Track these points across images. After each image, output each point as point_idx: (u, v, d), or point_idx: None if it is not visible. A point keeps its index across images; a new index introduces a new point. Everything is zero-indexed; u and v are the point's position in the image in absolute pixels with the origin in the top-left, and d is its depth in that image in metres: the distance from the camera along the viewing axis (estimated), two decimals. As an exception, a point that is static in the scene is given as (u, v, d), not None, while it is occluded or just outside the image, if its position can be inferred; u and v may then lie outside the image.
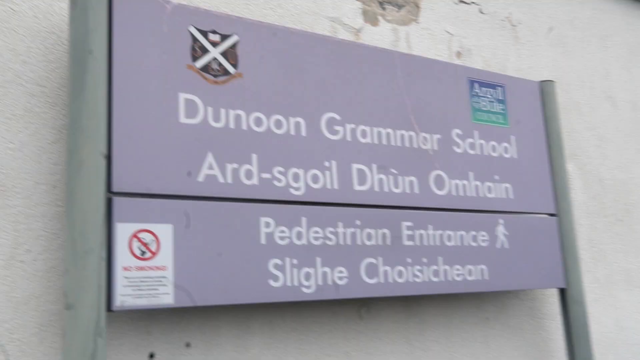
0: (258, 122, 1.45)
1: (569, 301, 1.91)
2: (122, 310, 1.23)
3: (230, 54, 1.45)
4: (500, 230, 1.80)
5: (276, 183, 1.45)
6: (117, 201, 1.23)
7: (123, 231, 1.22)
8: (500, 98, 1.91)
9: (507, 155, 1.88)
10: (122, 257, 1.21)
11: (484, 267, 1.74)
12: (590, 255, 2.25)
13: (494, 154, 1.85)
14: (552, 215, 1.94)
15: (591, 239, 2.27)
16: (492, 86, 1.91)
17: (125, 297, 1.20)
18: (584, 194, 2.30)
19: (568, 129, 2.28)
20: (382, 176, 1.61)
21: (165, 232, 1.27)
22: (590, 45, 2.51)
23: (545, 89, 2.03)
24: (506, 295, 1.96)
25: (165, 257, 1.26)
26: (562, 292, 1.93)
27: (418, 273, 1.60)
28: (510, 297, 1.97)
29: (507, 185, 1.85)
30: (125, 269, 1.21)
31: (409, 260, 1.60)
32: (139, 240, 1.23)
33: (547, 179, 1.96)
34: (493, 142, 1.86)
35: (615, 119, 2.49)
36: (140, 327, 1.34)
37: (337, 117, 1.58)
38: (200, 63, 1.40)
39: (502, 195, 1.83)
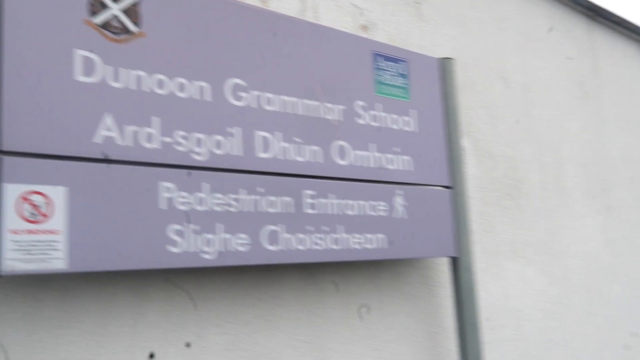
0: (160, 84, 1.41)
1: (459, 269, 2.01)
2: (11, 276, 1.17)
3: (132, 12, 1.39)
4: (399, 200, 1.86)
5: (178, 147, 1.41)
6: (7, 161, 1.16)
7: (11, 192, 1.16)
8: (402, 72, 1.96)
9: (407, 129, 1.94)
10: (10, 219, 1.15)
11: (382, 236, 1.79)
12: (481, 227, 2.37)
13: (395, 127, 1.90)
14: (447, 187, 2.03)
15: (482, 212, 2.39)
16: (396, 60, 1.95)
17: (13, 261, 1.14)
18: (477, 169, 2.41)
19: (464, 106, 2.38)
20: (286, 144, 1.61)
21: (58, 194, 1.21)
22: (488, 27, 2.62)
23: (445, 66, 2.11)
24: (401, 263, 2.04)
25: (58, 220, 1.21)
26: (454, 261, 2.03)
27: (319, 241, 1.63)
28: (405, 265, 2.05)
29: (407, 157, 1.91)
30: (14, 232, 1.15)
31: (311, 228, 1.62)
32: (29, 202, 1.17)
33: (444, 153, 2.04)
34: (395, 115, 1.90)
35: (508, 99, 2.62)
36: (28, 293, 1.28)
37: (243, 83, 1.56)
38: (99, 19, 1.33)
39: (401, 167, 1.89)
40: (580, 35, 3.15)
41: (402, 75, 1.96)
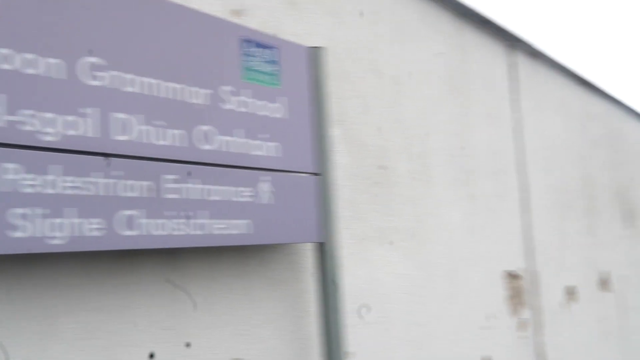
0: (6, 59, 1.32)
1: (325, 255, 2.06)
2: None
3: (-26, -20, 1.30)
4: (265, 187, 1.87)
5: (25, 127, 1.34)
6: None
7: None
8: (272, 59, 1.97)
9: (276, 115, 1.95)
10: None
11: (247, 221, 1.80)
12: (350, 213, 2.44)
13: (264, 113, 1.91)
14: (314, 174, 2.07)
15: (352, 199, 2.46)
16: (265, 47, 1.95)
17: None
18: (348, 157, 2.48)
19: (336, 96, 2.43)
20: (146, 127, 1.57)
21: None
22: (362, 18, 2.68)
23: (316, 55, 2.14)
24: (268, 249, 2.05)
25: None
26: (320, 247, 2.07)
27: (180, 226, 1.61)
28: (271, 251, 2.07)
29: (275, 144, 1.92)
30: None
31: (171, 213, 1.59)
32: None
33: (312, 141, 2.07)
34: (263, 102, 1.91)
35: (379, 90, 2.70)
36: None
37: (100, 61, 1.50)
38: None
39: (269, 154, 1.90)
40: (451, 32, 3.31)
41: (272, 62, 1.96)
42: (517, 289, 3.64)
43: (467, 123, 3.34)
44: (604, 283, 5.02)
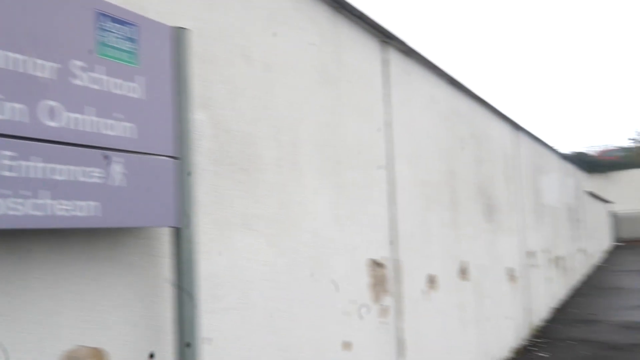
0: None
1: (181, 240, 2.03)
2: None
3: None
4: (118, 168, 1.81)
5: None
6: None
7: None
8: (131, 37, 1.90)
9: (132, 95, 1.88)
10: None
11: (96, 203, 1.73)
12: (213, 199, 2.42)
13: (119, 92, 1.84)
14: (173, 158, 2.02)
15: (215, 185, 2.44)
16: (124, 23, 1.88)
17: None
18: (213, 142, 2.45)
19: (203, 79, 2.40)
20: (-20, 99, 1.46)
21: None
22: (233, 2, 2.65)
23: (179, 36, 2.08)
24: (122, 233, 1.99)
25: None
26: (176, 232, 2.04)
27: (17, 206, 1.51)
28: (125, 234, 2.00)
29: (130, 124, 1.86)
30: None
31: (7, 192, 1.49)
32: None
33: (172, 124, 2.03)
34: (118, 80, 1.84)
35: (249, 76, 2.69)
36: None
37: None
38: None
39: (123, 134, 1.84)
40: (325, 24, 3.36)
41: (130, 40, 1.89)
42: (381, 277, 3.78)
43: (338, 114, 3.41)
44: (464, 272, 5.34)
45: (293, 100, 3.00)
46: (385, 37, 4.04)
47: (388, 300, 3.85)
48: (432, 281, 4.58)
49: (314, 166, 3.13)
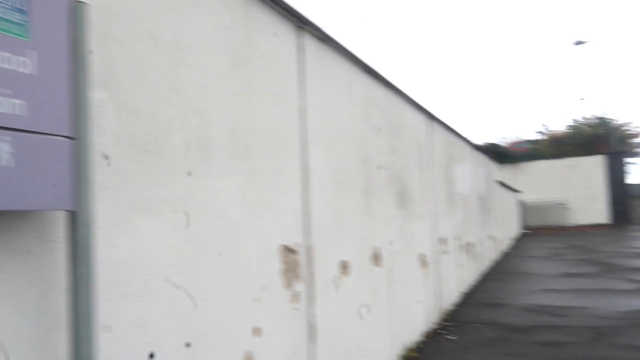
0: None
1: (77, 224, 1.94)
2: None
3: None
4: (5, 147, 1.70)
5: None
6: None
7: None
8: (21, 8, 1.78)
9: (22, 70, 1.78)
10: None
11: (-20, 185, 1.62)
12: (115, 182, 2.33)
13: (7, 66, 1.73)
14: (70, 138, 1.93)
15: (117, 167, 2.35)
16: (13, -7, 1.76)
17: None
18: (115, 123, 2.36)
19: (105, 57, 2.30)
20: None
21: None
22: (139, -21, 2.55)
23: (77, 10, 1.98)
24: (10, 216, 1.88)
25: None
26: (72, 215, 1.95)
27: None
28: (15, 218, 1.90)
29: (19, 101, 1.76)
30: None
31: None
32: None
33: (69, 102, 1.93)
34: (6, 53, 1.73)
35: (155, 56, 2.61)
36: None
37: None
38: None
39: (11, 111, 1.73)
40: (238, 6, 3.30)
41: (21, 11, 1.78)
42: (293, 262, 3.79)
43: (250, 98, 3.37)
44: (376, 258, 5.44)
45: (203, 82, 2.93)
46: (300, 23, 4.02)
47: (300, 286, 3.87)
48: (344, 267, 4.64)
49: (224, 150, 3.08)
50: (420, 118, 7.63)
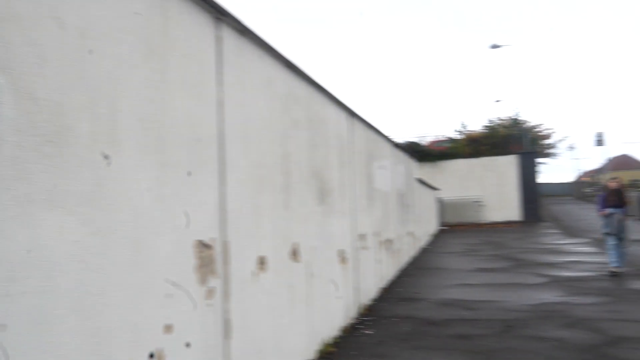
0: None
1: (-33, 216, 1.82)
2: None
3: None
4: None
5: None
6: None
7: None
8: None
9: None
10: None
11: None
12: (13, 172, 2.21)
13: None
14: (-41, 124, 1.80)
15: (16, 157, 2.22)
16: None
17: None
18: (15, 110, 2.23)
19: (4, 40, 2.17)
20: None
21: None
22: (43, -41, 2.42)
23: (-30, -13, 1.86)
24: None
25: None
26: (-39, 207, 1.83)
27: None
28: None
29: None
30: None
31: None
32: None
33: (-41, 85, 1.80)
34: None
35: (61, 41, 2.48)
36: None
37: None
38: None
39: None
40: (152, -6, 3.20)
41: None
42: (208, 258, 3.72)
43: (165, 89, 3.28)
44: (295, 254, 5.44)
45: (113, 71, 2.82)
46: (219, 14, 3.95)
47: (215, 282, 3.81)
48: (262, 262, 4.61)
49: (135, 142, 2.98)
50: (342, 115, 7.69)
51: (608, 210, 11.31)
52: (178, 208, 3.37)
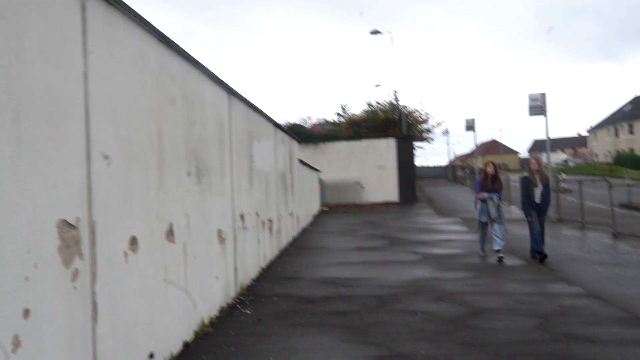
0: None
1: None
2: None
3: None
4: None
5: None
6: None
7: None
8: None
9: None
10: None
11: None
12: None
13: None
14: None
15: None
16: None
17: None
18: None
19: None
20: None
21: None
22: None
23: None
24: None
25: None
26: None
27: None
28: None
29: None
30: None
31: None
32: None
33: None
34: None
35: None
36: None
37: None
38: None
39: None
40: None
41: None
42: (73, 239, 3.53)
43: (20, 58, 3.05)
44: (170, 233, 5.30)
45: (-42, 34, 2.58)
46: (84, -20, 3.72)
47: (81, 264, 3.62)
48: (133, 243, 4.45)
49: (-14, 113, 2.74)
50: (221, 93, 7.56)
51: (484, 194, 11.30)
52: (37, 186, 3.16)
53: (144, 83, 4.77)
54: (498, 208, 11.33)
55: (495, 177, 11.39)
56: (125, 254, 4.31)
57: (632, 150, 68.90)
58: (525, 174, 11.31)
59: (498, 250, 10.95)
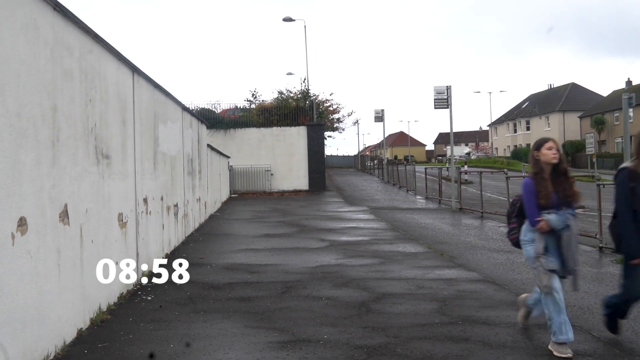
0: None
1: None
2: None
3: None
4: None
5: None
6: None
7: None
8: None
9: None
10: None
11: None
12: None
13: None
14: None
15: None
16: None
17: None
18: None
19: None
20: None
21: None
22: None
23: None
24: None
25: None
26: None
27: None
28: None
29: None
30: None
31: None
32: None
33: None
34: None
35: None
36: None
37: None
38: None
39: None
40: None
41: None
42: (-50, 217, 3.24)
43: None
44: (64, 215, 5.01)
45: None
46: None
47: (-41, 245, 3.34)
48: (22, 224, 4.16)
49: None
50: (124, 71, 7.23)
51: (552, 219, 5.11)
52: None
53: (36, 54, 4.46)
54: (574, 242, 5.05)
55: (564, 173, 5.25)
56: (13, 236, 4.02)
57: (528, 145, 72.91)
58: (628, 164, 5.08)
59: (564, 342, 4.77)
